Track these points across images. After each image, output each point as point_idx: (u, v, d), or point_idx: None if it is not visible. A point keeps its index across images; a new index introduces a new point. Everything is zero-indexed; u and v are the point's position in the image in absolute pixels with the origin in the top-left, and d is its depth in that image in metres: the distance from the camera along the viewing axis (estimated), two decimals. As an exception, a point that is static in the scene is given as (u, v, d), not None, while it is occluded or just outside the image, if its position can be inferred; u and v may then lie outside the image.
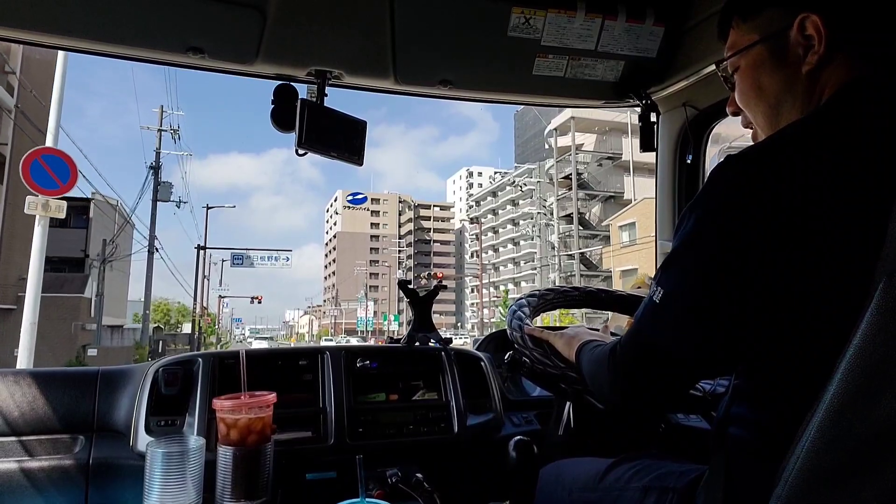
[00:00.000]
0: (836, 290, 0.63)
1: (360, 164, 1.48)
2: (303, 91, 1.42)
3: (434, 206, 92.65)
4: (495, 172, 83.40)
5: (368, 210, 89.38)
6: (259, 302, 36.25)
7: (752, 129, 0.87)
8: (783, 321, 0.66)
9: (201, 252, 26.34)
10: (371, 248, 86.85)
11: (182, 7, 1.19)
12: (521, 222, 59.82)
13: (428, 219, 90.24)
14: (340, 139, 1.43)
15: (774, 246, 0.65)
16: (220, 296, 42.24)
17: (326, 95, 1.43)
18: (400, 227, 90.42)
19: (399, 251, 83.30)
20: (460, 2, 1.26)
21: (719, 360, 0.75)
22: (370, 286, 73.97)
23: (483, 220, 70.03)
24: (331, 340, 49.37)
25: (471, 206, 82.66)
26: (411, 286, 1.66)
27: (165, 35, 1.27)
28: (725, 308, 0.68)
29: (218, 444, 1.14)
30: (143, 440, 1.25)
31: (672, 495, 0.84)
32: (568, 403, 1.38)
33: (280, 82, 1.41)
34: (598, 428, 1.36)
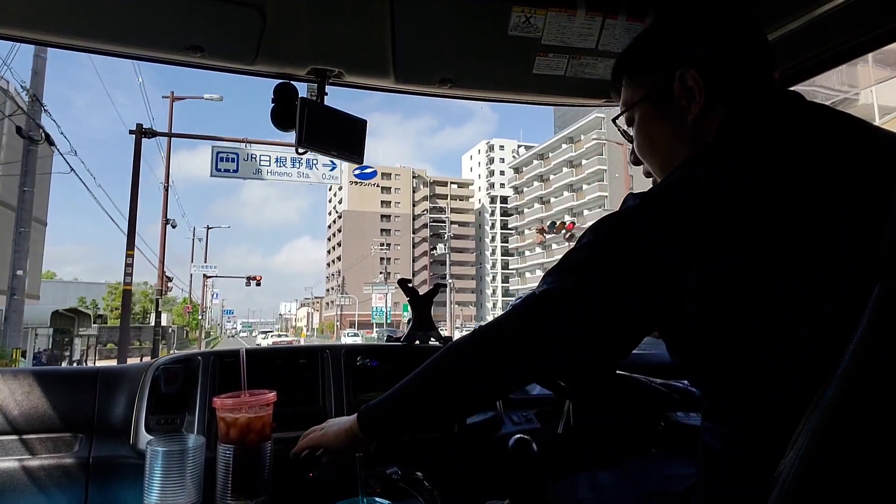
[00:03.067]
0: (826, 297, 0.63)
1: (361, 163, 1.50)
2: (303, 90, 1.43)
3: (451, 182, 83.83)
4: (518, 146, 77.43)
5: (378, 186, 79.29)
6: (258, 284, 29.22)
7: (652, 178, 0.92)
8: (773, 328, 0.66)
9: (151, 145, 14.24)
10: (382, 230, 78.00)
11: (182, 6, 1.18)
12: (586, 186, 49.65)
13: (445, 197, 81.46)
14: (340, 137, 1.44)
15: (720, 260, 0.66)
16: (205, 275, 31.70)
17: (326, 94, 1.43)
18: (414, 205, 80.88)
19: (414, 232, 75.61)
20: (460, 1, 1.26)
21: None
22: (380, 272, 65.83)
23: (527, 188, 61.20)
24: (356, 336, 40.78)
25: (492, 185, 75.82)
26: (413, 285, 1.67)
27: (165, 34, 1.27)
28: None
29: (218, 442, 1.14)
30: (143, 438, 1.25)
31: (672, 499, 0.84)
32: (567, 401, 1.39)
33: (280, 81, 1.41)
34: (598, 426, 1.37)
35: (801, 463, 0.54)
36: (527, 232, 60.84)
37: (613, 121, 0.96)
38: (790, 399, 0.62)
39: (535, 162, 60.75)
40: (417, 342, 1.60)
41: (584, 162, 50.25)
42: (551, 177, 57.38)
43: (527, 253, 61.43)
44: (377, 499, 1.05)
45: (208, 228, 33.44)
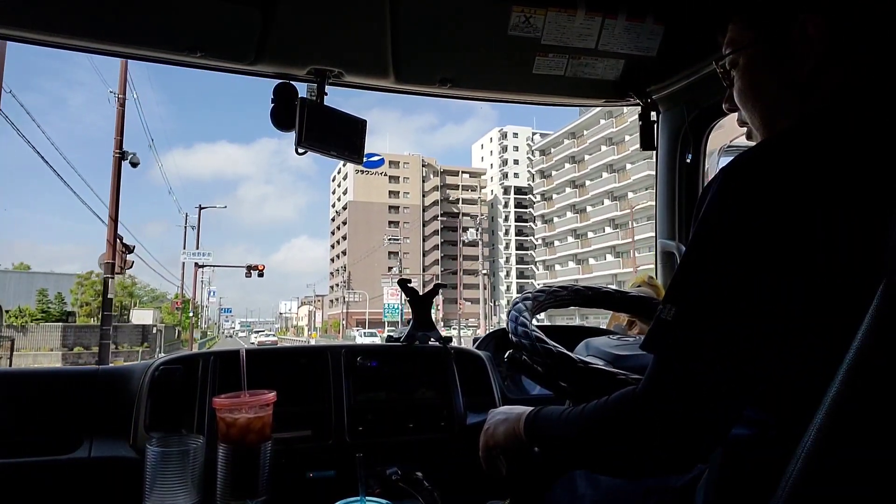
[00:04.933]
0: (840, 291, 0.62)
1: (361, 163, 1.50)
2: (303, 90, 1.43)
3: (462, 171, 77.44)
4: (533, 133, 72.90)
5: (386, 175, 72.94)
6: (261, 274, 26.01)
7: (746, 127, 0.86)
8: (788, 323, 0.65)
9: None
10: (390, 222, 72.39)
11: (182, 6, 1.18)
12: (630, 165, 43.36)
13: (456, 187, 75.42)
14: (340, 138, 1.44)
15: (783, 250, 0.63)
16: (197, 264, 27.14)
17: (326, 94, 1.43)
18: (424, 196, 74.91)
19: (424, 224, 70.97)
20: (460, 1, 1.26)
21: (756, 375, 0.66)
22: (389, 267, 62.35)
23: (556, 170, 55.39)
24: (374, 336, 36.25)
25: (505, 175, 71.45)
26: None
27: (165, 34, 1.27)
28: (749, 312, 0.64)
29: (218, 442, 1.14)
30: (143, 439, 1.25)
31: (672, 494, 0.84)
32: (568, 401, 1.38)
33: (280, 81, 1.41)
34: None
35: (804, 462, 0.54)
36: (556, 220, 55.53)
37: (715, 62, 0.86)
38: (798, 399, 0.62)
39: (566, 142, 53.61)
40: (417, 342, 1.60)
41: (626, 138, 43.35)
42: (586, 157, 50.66)
43: (556, 243, 55.63)
44: (377, 499, 1.05)
45: (200, 208, 28.50)
